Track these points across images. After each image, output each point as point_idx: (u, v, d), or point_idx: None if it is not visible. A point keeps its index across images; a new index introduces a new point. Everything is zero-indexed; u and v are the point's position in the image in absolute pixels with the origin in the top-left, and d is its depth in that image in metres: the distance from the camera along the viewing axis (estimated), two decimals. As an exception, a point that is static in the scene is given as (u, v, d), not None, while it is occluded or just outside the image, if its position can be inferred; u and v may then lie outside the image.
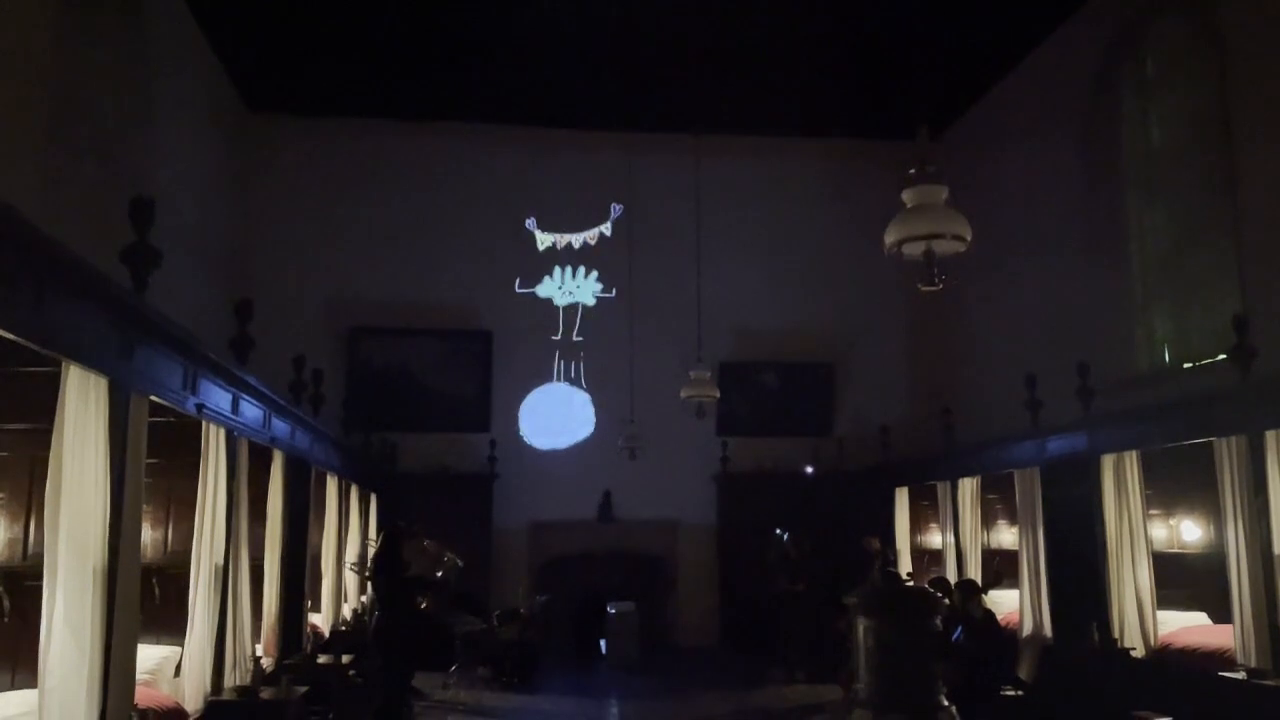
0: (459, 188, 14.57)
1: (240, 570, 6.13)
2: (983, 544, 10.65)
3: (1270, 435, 6.32)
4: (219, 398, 5.68)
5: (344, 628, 9.61)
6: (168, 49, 10.68)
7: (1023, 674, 8.64)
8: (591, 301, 14.74)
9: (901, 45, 11.63)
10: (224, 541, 5.77)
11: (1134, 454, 7.87)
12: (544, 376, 14.41)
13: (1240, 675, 6.38)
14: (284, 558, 7.41)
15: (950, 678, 4.46)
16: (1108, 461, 8.09)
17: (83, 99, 8.72)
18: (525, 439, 14.34)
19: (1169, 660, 7.43)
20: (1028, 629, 8.95)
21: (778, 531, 11.96)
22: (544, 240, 14.74)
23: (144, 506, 4.68)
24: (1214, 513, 7.42)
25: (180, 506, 6.36)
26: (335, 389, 11.17)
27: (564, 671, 11.93)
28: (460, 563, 10.43)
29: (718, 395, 11.85)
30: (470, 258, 14.41)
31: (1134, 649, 7.67)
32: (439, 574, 10.02)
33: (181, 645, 5.67)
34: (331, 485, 9.36)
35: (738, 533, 13.79)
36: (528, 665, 11.04)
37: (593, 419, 14.41)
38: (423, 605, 9.43)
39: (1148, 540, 7.88)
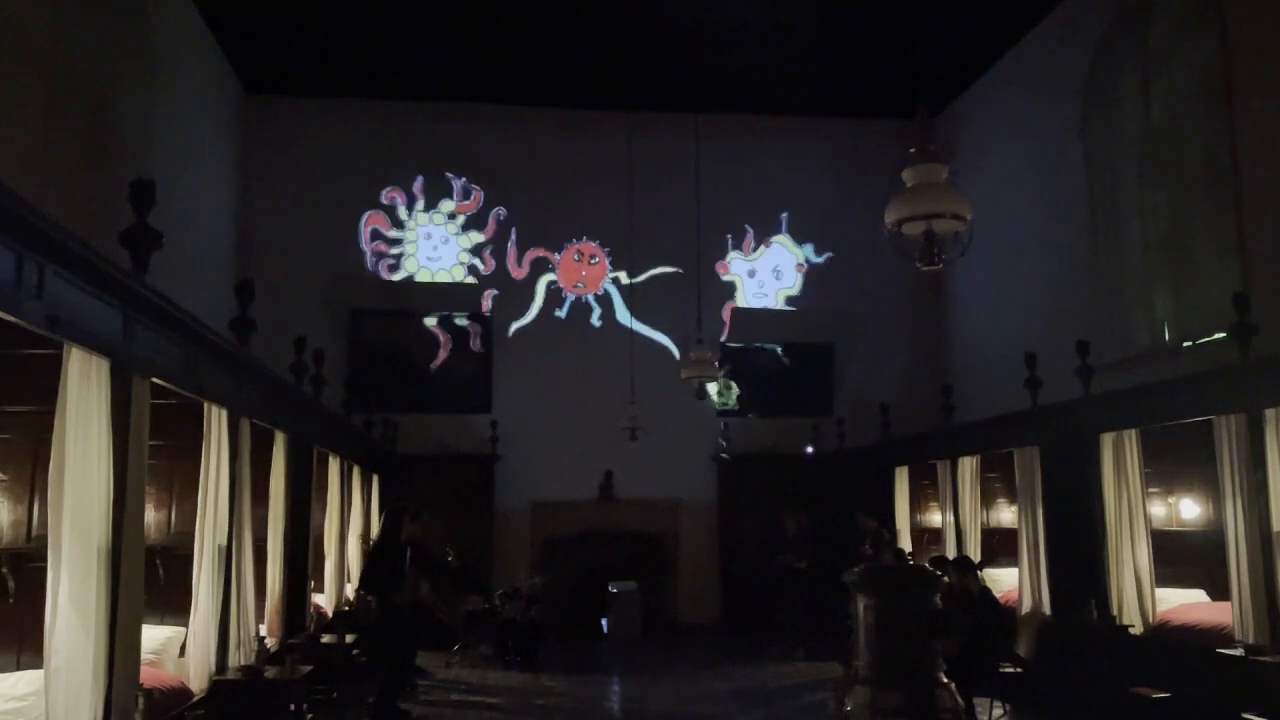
0: (459, 167, 14.51)
1: (244, 551, 6.16)
2: (982, 523, 10.68)
3: (1270, 413, 6.33)
4: (221, 379, 5.69)
5: (347, 608, 9.66)
6: (165, 30, 10.62)
7: (1021, 651, 8.69)
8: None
9: (901, 23, 11.56)
10: (227, 522, 5.80)
11: (1133, 432, 7.89)
12: (545, 361, 14.37)
13: (1238, 652, 6.43)
14: (287, 538, 7.46)
15: (949, 654, 4.49)
16: (1107, 440, 8.11)
17: (81, 81, 8.68)
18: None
19: (1167, 637, 7.48)
20: (1026, 606, 9.00)
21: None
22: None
23: (147, 488, 4.70)
24: (1213, 491, 7.45)
25: (183, 487, 6.38)
26: (336, 370, 11.17)
27: (566, 650, 11.99)
28: (451, 555, 10.76)
29: (718, 375, 11.85)
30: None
31: (1132, 626, 7.71)
32: (448, 556, 10.13)
33: (186, 625, 5.71)
34: (333, 466, 9.38)
35: (738, 512, 13.85)
36: (530, 644, 11.10)
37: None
38: (422, 590, 9.50)
39: (1147, 518, 7.90)
